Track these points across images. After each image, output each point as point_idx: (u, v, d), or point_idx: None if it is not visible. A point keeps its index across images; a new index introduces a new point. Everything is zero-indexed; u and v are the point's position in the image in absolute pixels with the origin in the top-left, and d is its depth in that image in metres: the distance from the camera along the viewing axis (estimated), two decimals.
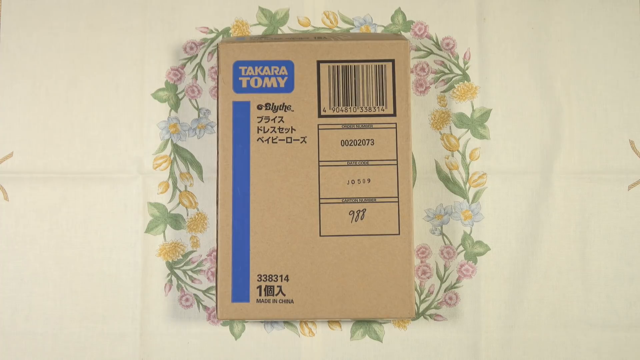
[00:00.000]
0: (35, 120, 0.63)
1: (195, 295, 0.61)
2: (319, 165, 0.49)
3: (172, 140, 0.63)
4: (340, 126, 0.49)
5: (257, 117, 0.49)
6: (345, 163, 0.49)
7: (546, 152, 0.62)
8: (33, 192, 0.62)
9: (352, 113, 0.50)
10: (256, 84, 0.50)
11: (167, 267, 0.62)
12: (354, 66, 0.50)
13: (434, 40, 0.64)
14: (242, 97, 0.50)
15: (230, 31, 0.64)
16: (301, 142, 0.49)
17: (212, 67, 0.64)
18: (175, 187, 0.63)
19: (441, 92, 0.63)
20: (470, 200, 0.62)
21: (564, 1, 0.64)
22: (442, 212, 0.61)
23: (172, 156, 0.63)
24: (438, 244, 0.61)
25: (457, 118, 0.63)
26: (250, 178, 0.50)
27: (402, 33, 0.64)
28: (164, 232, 0.62)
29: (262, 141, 0.49)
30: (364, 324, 0.61)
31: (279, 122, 0.49)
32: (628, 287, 0.61)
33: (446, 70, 0.63)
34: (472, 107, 0.63)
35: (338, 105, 0.50)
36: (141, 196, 0.62)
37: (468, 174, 0.62)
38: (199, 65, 0.64)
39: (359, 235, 0.49)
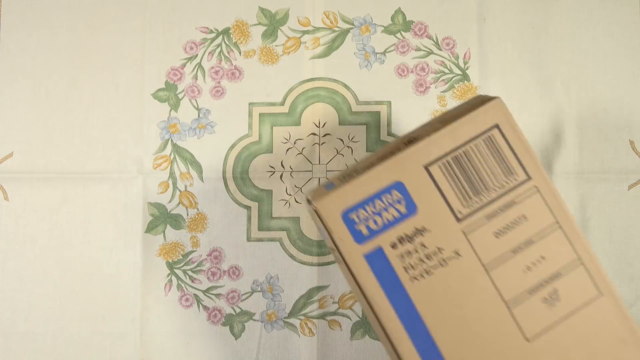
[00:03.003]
0: (35, 120, 0.63)
1: (195, 295, 0.61)
2: (486, 271, 0.43)
3: (172, 140, 0.63)
4: (484, 220, 0.43)
5: (398, 257, 0.43)
6: (511, 253, 0.44)
7: (546, 152, 0.62)
8: (33, 192, 0.62)
9: (488, 200, 0.44)
10: (377, 224, 0.43)
11: (167, 267, 0.62)
12: (464, 151, 0.44)
13: (434, 40, 0.64)
14: (370, 246, 0.43)
15: (230, 31, 0.64)
16: (456, 258, 0.45)
17: (212, 67, 0.64)
18: (175, 187, 0.63)
19: (441, 92, 0.63)
20: None
21: (564, 1, 0.64)
22: None
23: (172, 156, 0.63)
24: None
25: None
26: (424, 322, 0.43)
27: (402, 33, 0.64)
28: (164, 232, 0.62)
29: (417, 279, 0.43)
30: (364, 323, 0.61)
31: (422, 250, 0.43)
32: (628, 287, 0.61)
33: (446, 70, 0.63)
34: None
35: (469, 200, 0.44)
36: (141, 196, 0.62)
37: None
38: (199, 65, 0.64)
39: (567, 317, 0.43)
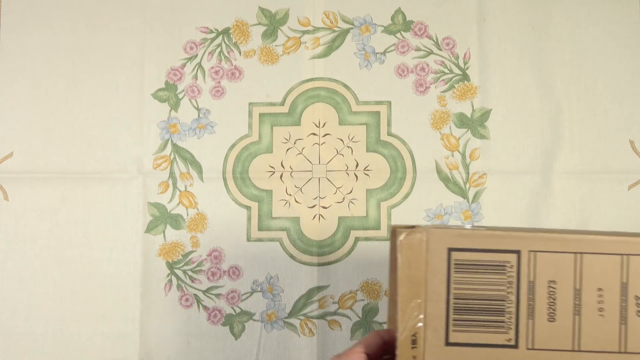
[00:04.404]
0: (35, 120, 0.63)
1: (195, 295, 0.61)
2: (578, 351, 0.43)
3: (172, 140, 0.63)
4: (530, 321, 0.43)
5: None
6: (576, 317, 0.43)
7: (546, 152, 0.62)
8: (33, 192, 0.62)
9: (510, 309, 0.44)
10: None
11: (167, 267, 0.62)
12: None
13: (434, 40, 0.64)
14: None
15: (230, 31, 0.64)
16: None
17: (212, 67, 0.64)
18: (175, 187, 0.63)
19: (441, 92, 0.63)
20: (470, 200, 0.62)
21: (564, 1, 0.64)
22: (442, 212, 0.61)
23: (172, 156, 0.63)
24: None
25: (457, 118, 0.63)
26: None
27: (402, 33, 0.64)
28: (164, 232, 0.62)
29: None
30: (364, 323, 0.61)
31: None
32: None
33: (446, 70, 0.63)
34: (472, 107, 0.63)
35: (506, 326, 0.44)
36: (141, 196, 0.62)
37: (468, 174, 0.62)
38: (199, 65, 0.64)
39: None
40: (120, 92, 0.63)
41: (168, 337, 0.61)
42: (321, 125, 0.63)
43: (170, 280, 0.62)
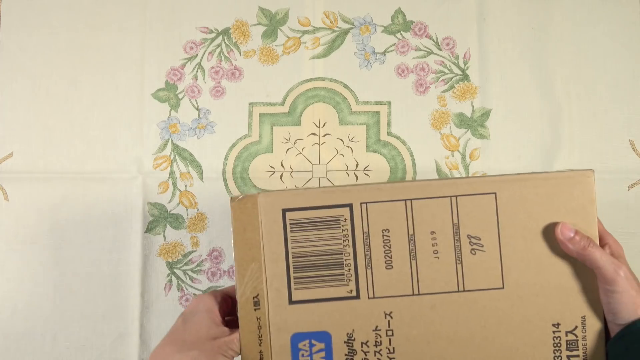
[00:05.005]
0: (35, 120, 0.63)
1: (195, 295, 0.61)
2: (418, 294, 0.44)
3: (172, 140, 0.63)
4: (369, 270, 0.45)
5: None
6: (409, 262, 0.44)
7: (546, 152, 0.62)
8: (33, 192, 0.62)
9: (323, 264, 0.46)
10: None
11: (167, 267, 0.62)
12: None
13: (434, 40, 0.64)
14: None
15: (230, 31, 0.64)
16: (393, 319, 0.44)
17: (212, 67, 0.64)
18: (175, 187, 0.63)
19: (441, 92, 0.63)
20: None
21: (564, 1, 0.64)
22: None
23: (172, 156, 0.63)
24: None
25: (457, 118, 0.63)
26: None
27: (402, 33, 0.64)
28: (164, 232, 0.62)
29: None
30: None
31: (367, 347, 0.45)
32: None
33: (446, 70, 0.63)
34: (472, 107, 0.63)
35: (333, 277, 0.45)
36: (141, 196, 0.62)
37: (468, 174, 0.62)
38: (199, 65, 0.64)
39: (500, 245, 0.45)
40: (120, 92, 0.63)
41: None
42: (321, 125, 0.63)
43: (170, 280, 0.62)
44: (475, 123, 0.63)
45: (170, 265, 0.62)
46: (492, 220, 0.43)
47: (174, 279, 0.62)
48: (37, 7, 0.64)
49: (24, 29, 0.64)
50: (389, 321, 0.43)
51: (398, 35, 0.64)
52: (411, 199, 0.43)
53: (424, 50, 0.64)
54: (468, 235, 0.43)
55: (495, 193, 0.43)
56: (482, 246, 0.43)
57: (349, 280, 0.44)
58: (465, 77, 0.63)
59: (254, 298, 0.43)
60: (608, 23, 0.64)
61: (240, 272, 0.43)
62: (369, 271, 0.43)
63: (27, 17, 0.64)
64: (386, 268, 0.43)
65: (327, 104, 0.63)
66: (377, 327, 0.43)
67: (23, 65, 0.64)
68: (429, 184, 0.43)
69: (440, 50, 0.64)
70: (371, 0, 0.64)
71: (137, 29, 0.64)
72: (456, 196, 0.43)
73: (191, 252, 0.62)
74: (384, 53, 0.64)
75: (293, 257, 0.43)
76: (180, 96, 0.64)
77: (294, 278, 0.43)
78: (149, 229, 0.62)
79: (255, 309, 0.43)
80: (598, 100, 0.63)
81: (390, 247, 0.43)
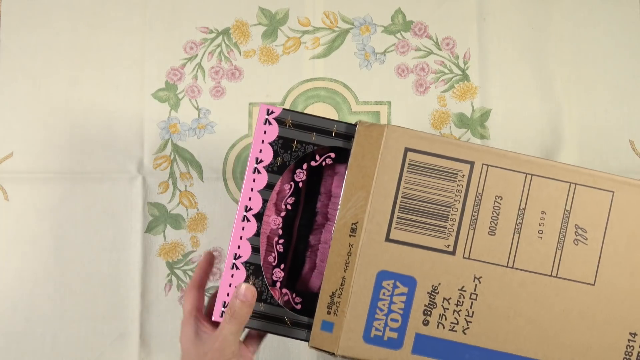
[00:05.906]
0: (35, 120, 0.63)
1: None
2: (512, 268, 0.44)
3: (172, 140, 0.63)
4: (470, 232, 0.45)
5: (438, 327, 0.44)
6: (516, 235, 0.44)
7: (546, 152, 0.62)
8: (33, 192, 0.62)
9: (456, 213, 0.45)
10: (396, 321, 0.44)
11: (167, 267, 0.62)
12: (402, 194, 0.45)
13: (434, 40, 0.64)
14: (409, 341, 0.44)
15: (230, 31, 0.64)
16: (480, 284, 0.44)
17: (212, 67, 0.64)
18: (175, 187, 0.63)
19: (441, 92, 0.63)
20: None
21: (564, 1, 0.64)
22: None
23: (172, 156, 0.63)
24: None
25: (457, 118, 0.63)
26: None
27: (402, 33, 0.64)
28: (164, 232, 0.62)
29: (468, 328, 0.44)
30: None
31: (448, 303, 0.44)
32: None
33: (446, 70, 0.63)
34: (472, 107, 0.63)
35: (444, 229, 0.45)
36: (141, 196, 0.62)
37: None
38: (199, 65, 0.64)
39: (605, 239, 0.45)
40: (120, 92, 0.63)
41: (168, 337, 0.61)
42: None
43: (170, 280, 0.62)
44: (475, 123, 0.63)
45: (170, 265, 0.62)
46: (603, 217, 0.43)
47: (174, 279, 0.62)
48: (37, 7, 0.65)
49: (24, 29, 0.64)
50: (476, 285, 0.43)
51: (398, 35, 0.64)
52: (532, 174, 0.43)
53: (424, 50, 0.64)
54: (576, 224, 0.43)
55: (613, 192, 0.43)
56: (586, 239, 0.43)
57: (450, 234, 0.43)
58: (465, 77, 0.63)
59: (352, 224, 0.43)
60: (608, 23, 0.64)
61: (346, 195, 0.43)
62: (471, 231, 0.43)
63: (27, 17, 0.64)
64: (489, 234, 0.43)
65: (327, 104, 0.63)
66: (463, 287, 0.43)
67: (23, 65, 0.64)
68: (553, 164, 0.43)
69: (440, 50, 0.64)
70: (371, 0, 0.64)
71: (138, 29, 0.64)
72: (576, 184, 0.43)
73: (191, 252, 0.62)
74: (384, 53, 0.64)
75: (402, 197, 0.43)
76: (180, 96, 0.64)
77: (397, 217, 0.43)
78: (149, 228, 0.62)
79: (350, 235, 0.43)
80: (598, 100, 0.63)
81: (498, 215, 0.43)
